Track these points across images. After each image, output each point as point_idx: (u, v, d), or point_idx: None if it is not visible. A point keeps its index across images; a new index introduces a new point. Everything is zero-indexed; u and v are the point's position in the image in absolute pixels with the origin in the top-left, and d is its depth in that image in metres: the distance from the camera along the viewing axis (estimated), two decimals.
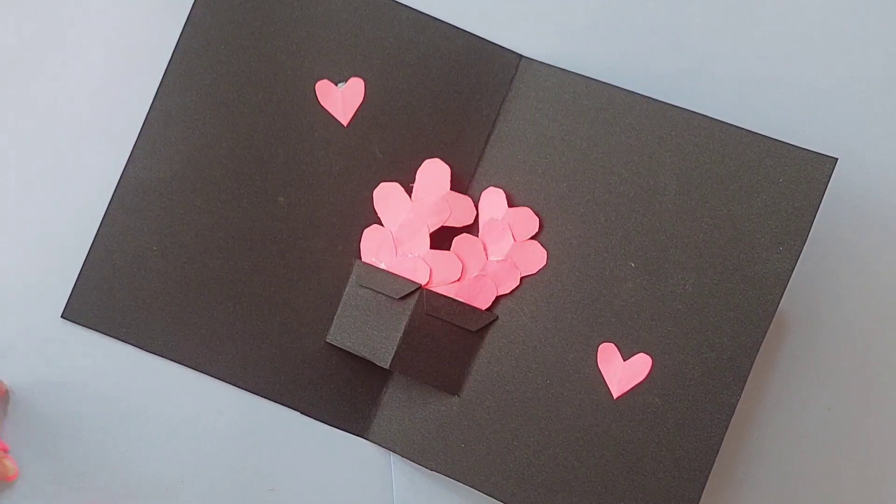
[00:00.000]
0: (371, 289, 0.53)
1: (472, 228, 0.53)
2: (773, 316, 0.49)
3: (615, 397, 0.51)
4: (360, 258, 0.54)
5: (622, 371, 0.51)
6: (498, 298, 0.53)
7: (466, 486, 0.52)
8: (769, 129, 0.50)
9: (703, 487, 0.49)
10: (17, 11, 0.54)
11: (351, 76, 0.53)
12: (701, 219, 0.50)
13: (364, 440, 0.55)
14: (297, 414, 0.54)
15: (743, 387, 0.49)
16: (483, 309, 0.53)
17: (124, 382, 0.54)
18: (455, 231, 0.53)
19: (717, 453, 0.49)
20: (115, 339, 0.53)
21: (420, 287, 0.52)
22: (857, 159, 0.55)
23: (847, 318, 0.55)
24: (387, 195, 0.53)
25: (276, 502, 0.55)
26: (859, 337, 0.56)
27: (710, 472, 0.49)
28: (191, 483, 0.54)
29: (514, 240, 0.52)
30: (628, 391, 0.50)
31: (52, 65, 0.54)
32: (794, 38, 0.56)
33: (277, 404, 0.54)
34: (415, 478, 0.56)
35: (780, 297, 0.49)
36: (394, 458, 0.55)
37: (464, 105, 0.54)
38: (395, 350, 0.51)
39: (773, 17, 0.56)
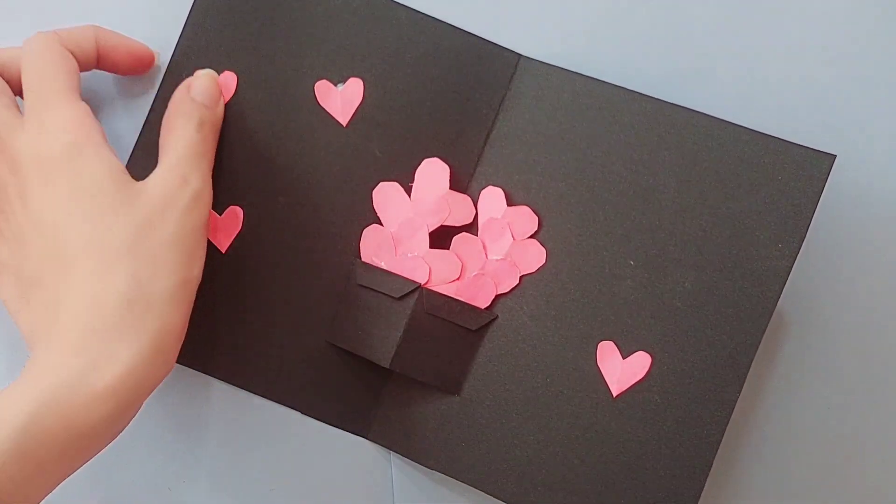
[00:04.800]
0: (371, 288, 0.53)
1: (472, 227, 0.53)
2: (772, 313, 0.49)
3: (615, 395, 0.51)
4: (360, 258, 0.54)
5: (622, 369, 0.51)
6: (497, 297, 0.53)
7: (467, 486, 0.52)
8: (768, 128, 0.50)
9: (704, 485, 0.49)
10: (15, 12, 0.54)
11: (350, 76, 0.53)
12: (700, 216, 0.50)
13: (364, 440, 0.55)
14: (297, 414, 0.54)
15: (742, 384, 0.49)
16: (483, 308, 0.53)
17: None
18: (454, 230, 0.53)
19: (717, 450, 0.49)
20: None
21: (420, 286, 0.52)
22: (856, 156, 0.55)
23: (846, 315, 0.56)
24: (386, 195, 0.54)
25: (276, 502, 0.55)
26: (859, 334, 0.56)
27: (710, 470, 0.49)
28: (191, 483, 0.54)
29: (514, 238, 0.52)
30: (628, 389, 0.50)
31: None
32: (793, 38, 0.56)
33: (277, 404, 0.54)
34: (415, 477, 0.56)
35: (780, 294, 0.49)
36: (394, 457, 0.55)
37: (463, 104, 0.54)
38: (395, 349, 0.51)
39: (773, 16, 0.56)
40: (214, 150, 0.51)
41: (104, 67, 0.52)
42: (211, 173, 0.50)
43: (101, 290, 0.46)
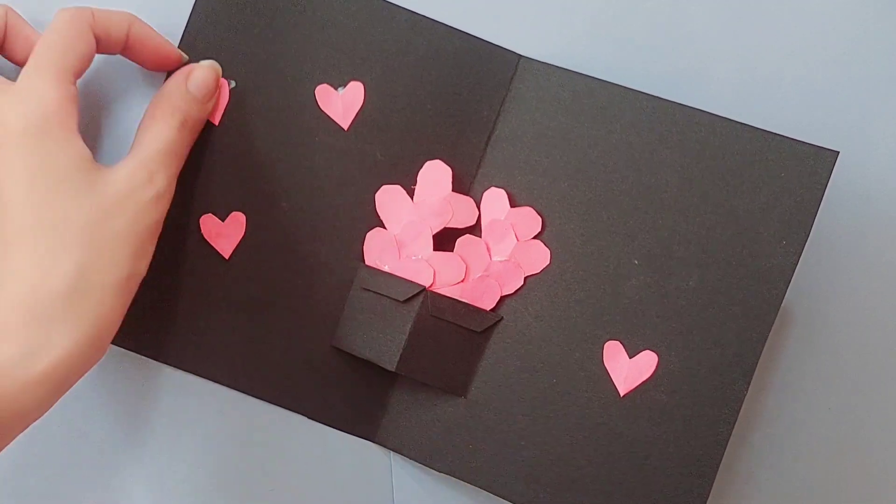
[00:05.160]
0: (375, 292, 0.53)
1: (475, 229, 0.53)
2: (777, 310, 0.49)
3: (622, 395, 0.51)
4: (364, 261, 0.54)
5: (628, 368, 0.51)
6: (502, 299, 0.53)
7: (467, 486, 0.52)
8: (769, 128, 0.50)
9: (712, 483, 0.49)
10: None
11: (350, 80, 0.53)
12: (703, 215, 0.50)
13: (364, 440, 0.55)
14: (297, 414, 0.54)
15: (749, 382, 0.49)
16: (488, 310, 0.53)
17: (124, 382, 0.54)
18: (457, 232, 0.53)
19: (724, 449, 0.49)
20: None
21: (424, 289, 0.52)
22: (858, 155, 0.55)
23: (851, 312, 0.56)
24: (389, 198, 0.53)
25: (276, 502, 0.55)
26: (864, 330, 0.56)
27: (718, 468, 0.49)
28: (191, 483, 0.54)
29: (517, 240, 0.52)
30: (635, 388, 0.51)
31: None
32: (794, 37, 0.56)
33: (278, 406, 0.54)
34: (415, 477, 0.56)
35: (785, 292, 0.49)
36: (394, 457, 0.55)
37: (464, 106, 0.54)
38: (400, 352, 0.51)
39: (773, 16, 0.56)
40: (190, 148, 0.51)
41: (129, 57, 0.52)
42: (178, 172, 0.50)
43: (45, 275, 0.45)
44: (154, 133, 0.49)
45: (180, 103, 0.50)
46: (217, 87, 0.52)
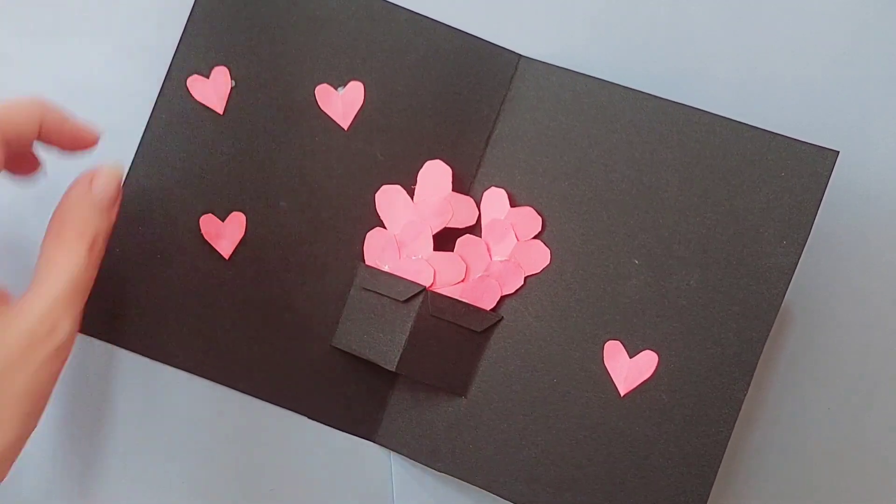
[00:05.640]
0: (375, 292, 0.53)
1: (475, 229, 0.53)
2: (778, 310, 0.49)
3: (622, 395, 0.51)
4: (364, 261, 0.54)
5: (628, 368, 0.51)
6: (502, 298, 0.53)
7: (466, 485, 0.52)
8: (769, 127, 0.50)
9: (713, 483, 0.49)
10: (14, 20, 0.54)
11: (350, 80, 0.53)
12: (704, 214, 0.50)
13: (364, 440, 0.55)
14: (296, 414, 0.54)
15: (750, 381, 0.49)
16: (488, 309, 0.53)
17: (124, 382, 0.54)
18: (457, 232, 0.53)
19: (725, 449, 0.49)
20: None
21: (424, 289, 0.52)
22: (858, 154, 0.55)
23: (851, 311, 0.56)
24: (389, 198, 0.53)
25: (276, 502, 0.55)
26: (864, 330, 0.56)
27: (718, 468, 0.49)
28: (191, 483, 0.54)
29: (518, 239, 0.52)
30: (635, 388, 0.51)
31: (54, 75, 0.54)
32: (794, 37, 0.56)
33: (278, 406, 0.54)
34: (415, 477, 0.56)
35: (785, 291, 0.49)
36: (394, 457, 0.55)
37: (464, 106, 0.54)
38: (400, 352, 0.51)
39: (774, 16, 0.56)
40: (97, 269, 0.47)
41: (44, 142, 0.47)
42: (84, 304, 0.47)
43: None
44: (62, 263, 0.45)
45: (90, 218, 0.46)
46: (118, 193, 0.48)
